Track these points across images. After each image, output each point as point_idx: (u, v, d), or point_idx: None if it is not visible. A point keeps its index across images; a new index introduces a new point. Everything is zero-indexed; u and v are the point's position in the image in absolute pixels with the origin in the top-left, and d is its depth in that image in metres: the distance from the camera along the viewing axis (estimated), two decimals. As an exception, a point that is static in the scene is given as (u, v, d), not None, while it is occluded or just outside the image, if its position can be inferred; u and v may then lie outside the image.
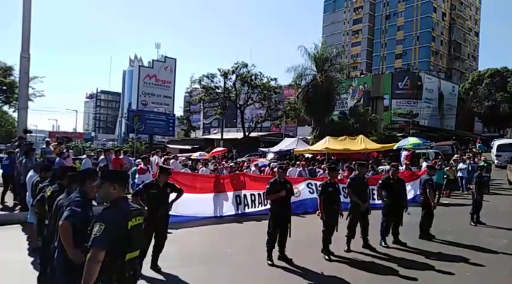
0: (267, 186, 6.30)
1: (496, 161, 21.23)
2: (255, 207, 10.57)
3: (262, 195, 10.53)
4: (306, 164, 15.84)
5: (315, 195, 10.86)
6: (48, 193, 4.12)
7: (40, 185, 4.86)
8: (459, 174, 16.01)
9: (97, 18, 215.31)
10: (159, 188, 5.57)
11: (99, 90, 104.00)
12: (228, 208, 10.25)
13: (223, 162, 18.18)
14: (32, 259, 5.63)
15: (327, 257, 6.34)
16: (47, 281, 4.09)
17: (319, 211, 6.55)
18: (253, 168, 16.01)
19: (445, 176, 14.87)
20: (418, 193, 9.33)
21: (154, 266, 5.44)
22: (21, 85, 13.55)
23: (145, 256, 5.29)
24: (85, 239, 2.70)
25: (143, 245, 4.65)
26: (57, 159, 10.26)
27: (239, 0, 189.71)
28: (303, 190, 11.28)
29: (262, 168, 16.81)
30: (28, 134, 12.80)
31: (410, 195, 11.59)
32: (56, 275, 3.37)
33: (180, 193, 5.96)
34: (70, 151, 12.62)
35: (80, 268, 2.61)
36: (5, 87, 36.36)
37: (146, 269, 5.32)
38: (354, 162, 14.03)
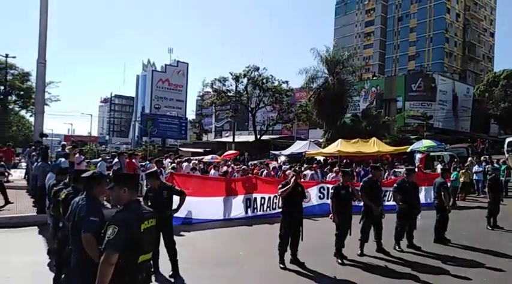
0: (279, 186, 6.33)
1: (506, 155, 23.05)
2: (263, 211, 10.60)
3: (272, 199, 10.56)
4: (318, 166, 15.63)
5: (325, 200, 10.83)
6: (63, 196, 4.17)
7: (55, 188, 4.93)
8: (475, 177, 15.71)
9: (111, 23, 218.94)
10: (155, 191, 5.59)
11: (113, 95, 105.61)
12: (238, 211, 10.27)
13: (233, 165, 18.19)
14: (48, 260, 5.72)
15: (340, 261, 6.28)
16: (62, 283, 4.14)
17: (331, 214, 6.51)
18: (265, 171, 15.93)
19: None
20: (432, 197, 9.17)
21: (176, 270, 5.40)
22: (37, 91, 13.90)
23: (157, 258, 5.33)
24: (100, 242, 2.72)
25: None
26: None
27: (250, 3, 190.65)
28: (313, 195, 11.23)
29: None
30: (44, 138, 13.08)
31: (422, 200, 11.44)
32: (71, 277, 3.41)
33: (182, 196, 5.72)
34: (82, 156, 12.80)
35: (96, 270, 2.64)
36: (22, 93, 37.24)
37: (158, 272, 5.37)
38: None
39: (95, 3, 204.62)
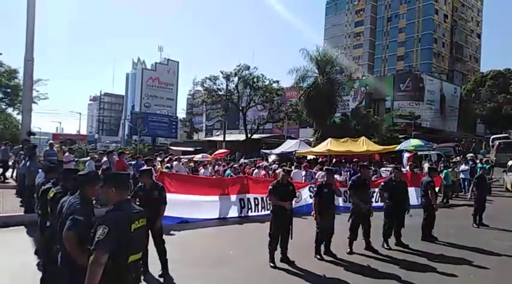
0: (270, 187, 6.31)
1: (490, 149, 26.96)
2: (258, 211, 10.60)
3: (265, 199, 10.54)
4: (310, 166, 15.62)
5: None
6: (51, 195, 4.12)
7: (43, 187, 4.87)
8: (461, 175, 15.96)
9: (101, 21, 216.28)
10: (146, 190, 5.56)
11: (102, 93, 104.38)
12: (232, 211, 10.27)
13: (223, 164, 18.12)
14: (35, 260, 5.65)
15: (318, 256, 6.41)
16: (50, 283, 4.10)
17: (313, 212, 6.57)
18: (256, 170, 15.92)
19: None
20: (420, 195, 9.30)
21: (165, 270, 5.39)
22: (25, 88, 13.69)
23: (147, 258, 5.31)
24: (89, 242, 2.70)
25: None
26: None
27: (241, 3, 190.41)
28: (304, 195, 11.29)
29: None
30: (32, 136, 12.90)
31: (414, 201, 11.50)
32: (58, 277, 3.38)
33: (163, 206, 5.58)
34: (71, 155, 12.66)
35: (85, 269, 2.62)
36: (9, 90, 36.56)
37: (147, 271, 5.35)
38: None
39: (83, 0, 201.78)
